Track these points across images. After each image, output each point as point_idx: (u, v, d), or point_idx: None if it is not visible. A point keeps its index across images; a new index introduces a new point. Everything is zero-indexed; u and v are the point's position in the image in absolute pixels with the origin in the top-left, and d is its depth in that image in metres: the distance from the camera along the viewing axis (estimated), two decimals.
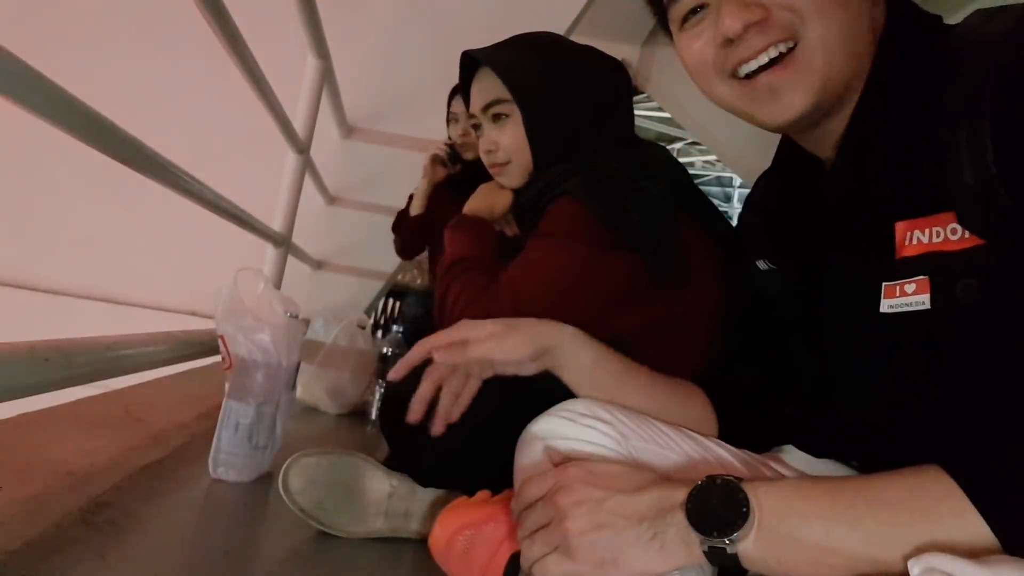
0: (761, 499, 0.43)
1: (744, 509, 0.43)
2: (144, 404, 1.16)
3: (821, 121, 0.55)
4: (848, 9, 0.50)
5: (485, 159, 1.05)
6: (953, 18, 0.52)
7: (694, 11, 0.56)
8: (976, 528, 0.36)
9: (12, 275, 2.34)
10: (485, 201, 1.06)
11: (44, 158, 2.30)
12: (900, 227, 0.50)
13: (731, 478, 0.46)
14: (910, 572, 0.36)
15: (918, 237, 0.49)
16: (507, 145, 0.99)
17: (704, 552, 0.44)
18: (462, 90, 1.06)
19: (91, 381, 0.83)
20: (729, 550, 0.43)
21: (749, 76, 0.53)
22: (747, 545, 0.43)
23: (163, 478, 0.89)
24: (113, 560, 0.65)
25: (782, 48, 0.51)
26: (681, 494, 0.47)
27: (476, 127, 1.05)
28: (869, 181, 0.53)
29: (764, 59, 0.52)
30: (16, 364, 0.66)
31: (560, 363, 0.70)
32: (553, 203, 0.88)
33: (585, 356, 0.70)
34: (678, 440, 0.67)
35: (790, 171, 0.66)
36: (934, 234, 0.48)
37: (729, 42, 0.52)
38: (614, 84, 1.00)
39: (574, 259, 0.85)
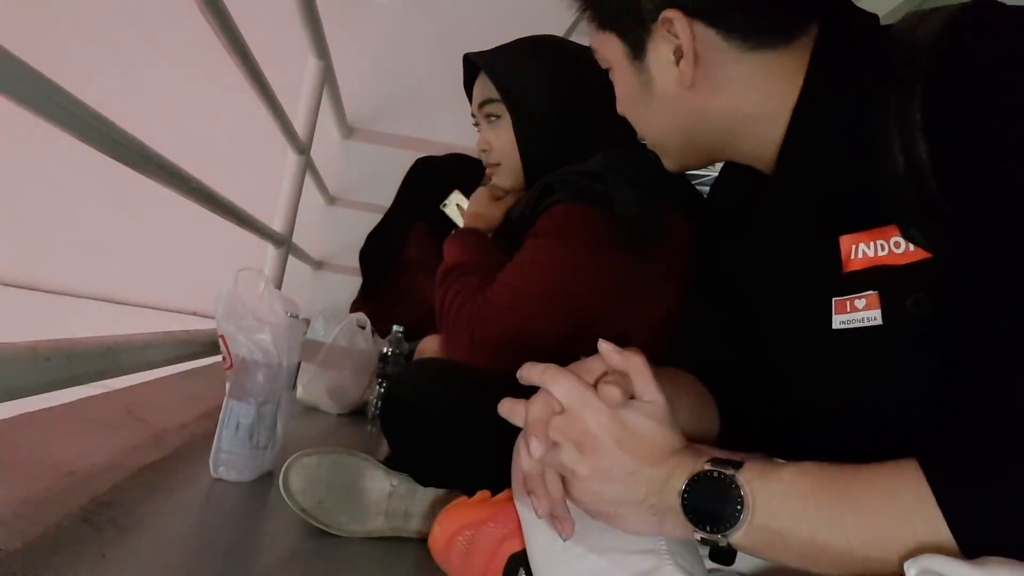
0: (756, 494, 0.44)
1: (738, 507, 0.43)
2: (145, 404, 1.16)
3: (740, 145, 0.59)
4: (650, 107, 0.61)
5: (482, 158, 1.08)
6: None
7: None
8: (945, 537, 0.38)
9: (13, 275, 2.34)
10: (481, 213, 1.07)
11: (46, 158, 2.31)
12: (845, 240, 0.51)
13: (729, 472, 0.45)
14: (906, 573, 0.36)
15: (863, 250, 0.49)
16: (498, 146, 1.02)
17: (698, 540, 0.46)
18: (465, 90, 1.08)
19: (92, 381, 0.83)
20: (721, 543, 0.45)
21: None
22: (738, 538, 0.44)
23: (164, 478, 0.89)
24: (114, 559, 0.65)
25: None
26: (682, 480, 0.46)
27: (477, 126, 1.07)
28: (809, 195, 0.54)
29: None
30: (17, 364, 0.66)
31: None
32: (547, 211, 0.89)
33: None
34: None
35: (735, 179, 0.67)
36: (879, 247, 0.48)
37: None
38: None
39: (571, 257, 0.85)
